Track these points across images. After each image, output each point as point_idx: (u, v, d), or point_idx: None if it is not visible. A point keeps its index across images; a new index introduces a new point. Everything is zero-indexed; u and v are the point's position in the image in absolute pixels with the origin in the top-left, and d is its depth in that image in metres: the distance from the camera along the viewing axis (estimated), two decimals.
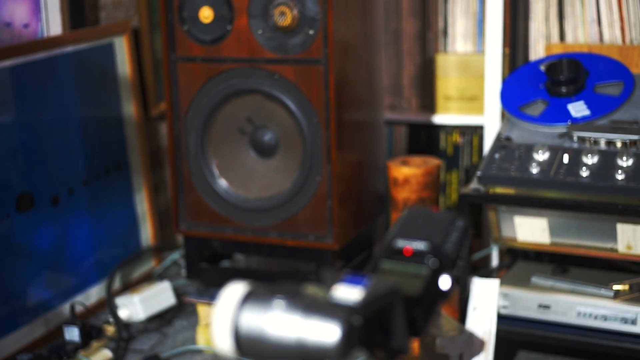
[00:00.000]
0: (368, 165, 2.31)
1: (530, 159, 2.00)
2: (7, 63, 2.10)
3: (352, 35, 2.16)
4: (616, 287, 1.99)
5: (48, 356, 2.07)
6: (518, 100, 2.15)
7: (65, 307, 2.25)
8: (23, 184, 2.16)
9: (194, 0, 2.15)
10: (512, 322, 2.03)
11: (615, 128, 1.99)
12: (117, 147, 2.51)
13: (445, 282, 0.99)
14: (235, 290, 0.89)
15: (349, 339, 0.83)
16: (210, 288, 2.33)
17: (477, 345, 1.87)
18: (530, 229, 2.07)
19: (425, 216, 1.07)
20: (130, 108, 2.55)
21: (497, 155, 2.04)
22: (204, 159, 2.21)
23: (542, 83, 2.16)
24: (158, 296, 2.33)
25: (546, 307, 2.00)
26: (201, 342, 2.19)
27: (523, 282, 2.08)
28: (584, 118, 2.06)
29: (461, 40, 2.59)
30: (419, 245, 1.01)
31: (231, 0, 2.11)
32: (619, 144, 1.96)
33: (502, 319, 2.03)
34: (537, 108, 2.12)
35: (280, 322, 0.86)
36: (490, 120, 2.40)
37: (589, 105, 2.08)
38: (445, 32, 2.61)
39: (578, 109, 2.08)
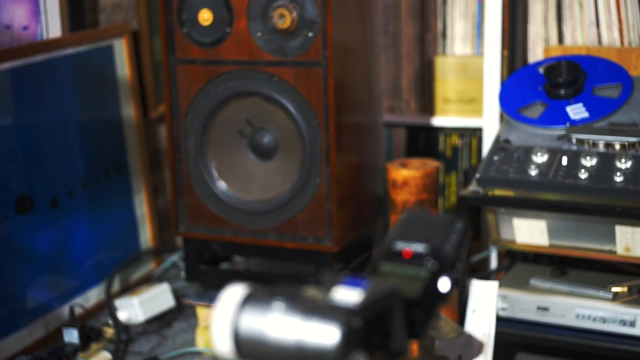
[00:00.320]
0: (367, 168, 2.31)
1: (529, 161, 2.00)
2: (7, 65, 2.11)
3: (351, 37, 2.17)
4: (615, 289, 2.00)
5: (47, 358, 2.07)
6: (517, 103, 2.16)
7: (65, 309, 2.25)
8: (22, 186, 2.16)
9: (193, 2, 2.16)
10: (511, 324, 2.03)
11: (614, 130, 1.99)
12: (117, 149, 2.51)
13: (444, 284, 1.00)
14: (234, 292, 0.89)
15: (349, 341, 0.84)
16: (210, 290, 2.33)
17: (476, 347, 1.87)
18: (529, 231, 2.07)
19: (424, 218, 1.07)
20: (129, 110, 2.55)
21: (495, 158, 2.04)
22: (203, 161, 2.21)
23: (540, 85, 2.17)
24: (157, 298, 2.33)
25: (545, 309, 2.01)
26: (200, 345, 2.19)
27: (522, 284, 2.08)
28: (582, 120, 2.06)
29: (460, 42, 2.60)
30: (418, 247, 1.01)
31: (230, 3, 2.12)
32: (617, 146, 1.97)
33: (501, 321, 2.03)
34: (536, 110, 2.13)
35: (280, 324, 0.86)
36: (489, 122, 2.40)
37: (588, 107, 2.08)
38: (444, 35, 2.62)
39: (577, 111, 2.08)
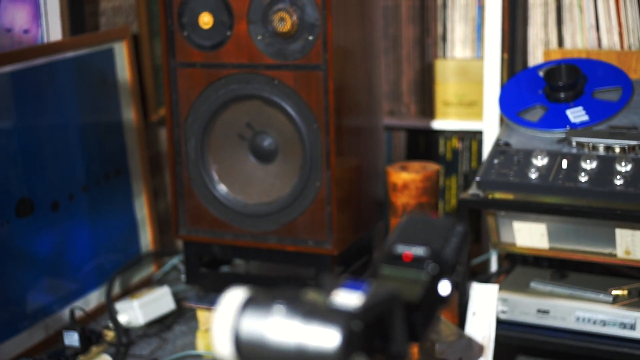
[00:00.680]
0: (367, 171, 2.31)
1: (529, 165, 2.00)
2: (7, 69, 2.11)
3: (352, 41, 2.17)
4: (615, 292, 2.00)
5: None
6: (517, 106, 2.16)
7: (65, 312, 2.25)
8: (23, 189, 2.16)
9: (193, 6, 2.16)
10: (511, 327, 2.04)
11: (614, 134, 1.99)
12: (117, 152, 2.52)
13: (444, 287, 1.00)
14: (235, 295, 0.89)
15: (349, 345, 0.84)
16: (210, 293, 2.33)
17: (476, 350, 1.87)
18: (529, 234, 2.07)
19: (425, 222, 1.08)
20: (130, 113, 2.55)
21: (496, 161, 2.05)
22: (203, 164, 2.22)
23: (540, 89, 2.17)
24: (158, 301, 2.34)
25: (545, 312, 2.01)
26: (201, 348, 2.19)
27: (522, 287, 2.08)
28: (582, 123, 2.06)
29: (460, 46, 2.60)
30: (419, 250, 1.01)
31: (231, 6, 2.12)
32: (617, 150, 1.97)
33: (501, 324, 2.03)
34: (536, 113, 2.13)
35: (281, 328, 0.86)
36: (489, 125, 2.40)
37: (588, 110, 2.08)
38: (444, 38, 2.62)
39: (577, 114, 2.08)
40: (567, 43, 2.43)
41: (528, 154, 2.03)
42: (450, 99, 2.60)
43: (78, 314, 2.25)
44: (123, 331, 2.24)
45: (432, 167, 2.26)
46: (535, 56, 2.47)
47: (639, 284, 2.05)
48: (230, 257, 2.37)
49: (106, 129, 2.48)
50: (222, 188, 2.22)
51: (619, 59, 2.30)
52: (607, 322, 1.95)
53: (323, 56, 2.05)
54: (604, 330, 1.95)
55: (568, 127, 2.06)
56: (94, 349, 2.16)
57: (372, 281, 0.98)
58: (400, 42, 2.66)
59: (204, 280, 2.33)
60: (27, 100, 2.17)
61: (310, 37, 2.06)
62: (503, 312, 2.04)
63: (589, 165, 1.95)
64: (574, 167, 1.96)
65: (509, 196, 2.00)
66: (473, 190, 2.04)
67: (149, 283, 2.60)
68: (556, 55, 2.36)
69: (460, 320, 2.02)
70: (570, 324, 1.98)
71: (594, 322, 1.96)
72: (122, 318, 2.28)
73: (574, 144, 2.02)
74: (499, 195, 2.01)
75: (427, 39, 2.64)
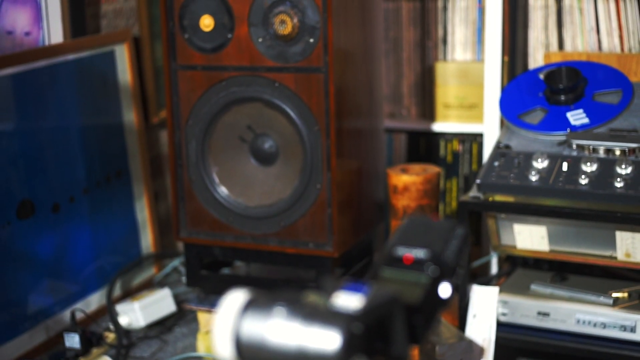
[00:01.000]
0: (368, 173, 2.32)
1: (529, 167, 2.01)
2: (9, 71, 2.11)
3: (352, 43, 2.17)
4: (615, 294, 2.00)
5: None
6: (517, 109, 2.16)
7: (66, 314, 2.26)
8: (24, 191, 2.16)
9: (194, 8, 2.16)
10: (512, 329, 2.04)
11: (614, 136, 2.00)
12: (118, 154, 2.52)
13: (445, 290, 1.00)
14: (236, 298, 0.89)
15: (350, 347, 0.84)
16: (211, 295, 2.33)
17: (476, 352, 1.88)
18: (530, 237, 2.08)
19: (425, 224, 1.08)
20: (131, 116, 2.55)
21: (496, 163, 2.05)
22: (204, 166, 2.22)
23: (541, 91, 2.17)
24: (158, 303, 2.34)
25: (545, 314, 2.01)
26: (201, 349, 2.19)
27: (522, 289, 2.08)
28: (583, 126, 2.06)
29: (460, 48, 2.60)
30: (419, 253, 1.01)
31: (232, 9, 2.12)
32: (617, 152, 1.97)
33: (501, 326, 2.03)
34: (536, 116, 2.13)
35: (281, 330, 0.86)
36: (489, 128, 2.40)
37: (588, 113, 2.09)
38: (444, 41, 2.62)
39: (577, 117, 2.09)
40: (568, 46, 2.43)
41: (528, 157, 2.03)
42: (451, 102, 2.61)
43: (79, 315, 2.25)
44: (124, 333, 2.25)
45: (433, 169, 2.26)
46: (536, 59, 2.47)
47: (639, 286, 2.05)
48: (230, 259, 2.37)
49: (107, 131, 2.48)
50: (222, 190, 2.22)
51: (619, 62, 2.30)
52: (608, 324, 1.95)
53: (324, 59, 2.06)
54: (604, 333, 1.96)
55: (568, 130, 2.06)
56: (95, 350, 2.16)
57: (373, 283, 0.98)
58: (400, 45, 2.66)
59: (205, 283, 2.33)
60: (28, 102, 2.18)
61: (311, 40, 2.06)
62: (503, 314, 2.04)
63: (589, 167, 1.95)
64: (575, 170, 1.97)
65: (509, 199, 2.00)
66: (473, 192, 2.04)
67: (150, 285, 2.60)
68: (556, 58, 2.37)
69: (461, 322, 2.02)
70: (570, 326, 1.99)
71: (595, 325, 1.96)
72: (123, 320, 2.28)
73: (574, 146, 2.02)
74: (499, 197, 2.01)
75: (428, 42, 2.64)
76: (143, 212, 2.62)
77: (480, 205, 2.03)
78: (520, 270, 2.22)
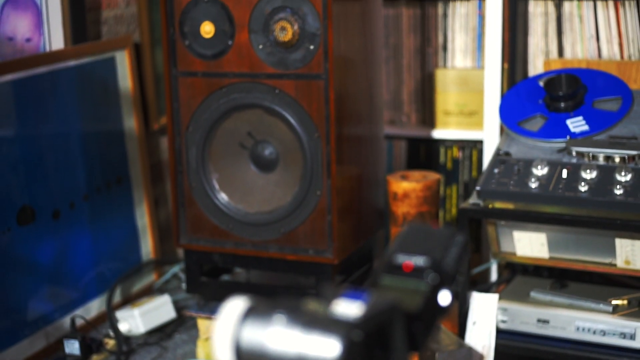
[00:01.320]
0: (368, 180, 2.32)
1: (529, 174, 2.01)
2: (9, 77, 2.12)
3: (352, 50, 2.18)
4: (615, 302, 2.00)
5: None
6: (517, 116, 2.17)
7: (66, 321, 2.26)
8: (24, 197, 2.17)
9: (195, 15, 2.17)
10: (511, 336, 2.04)
11: (614, 143, 2.00)
12: (118, 160, 2.52)
13: (444, 297, 1.00)
14: (236, 305, 0.90)
15: (349, 354, 0.84)
16: (210, 302, 2.33)
17: (476, 359, 1.88)
18: (529, 244, 2.08)
19: (425, 231, 1.08)
20: (131, 122, 2.56)
21: (496, 170, 2.05)
22: (204, 173, 2.22)
23: (541, 98, 2.18)
24: (158, 310, 2.34)
25: (545, 321, 2.01)
26: (201, 356, 2.19)
27: (522, 296, 2.08)
28: (582, 133, 2.07)
29: (460, 55, 2.61)
30: (419, 260, 1.01)
31: (232, 16, 2.13)
32: (617, 160, 1.97)
33: (501, 333, 2.03)
34: (536, 123, 2.13)
35: (281, 337, 0.86)
36: (489, 135, 2.41)
37: (588, 120, 2.09)
38: (444, 48, 2.63)
39: (577, 124, 2.09)
40: (567, 53, 2.43)
41: (528, 164, 2.03)
42: (451, 109, 2.61)
43: (79, 322, 2.25)
44: (123, 339, 2.24)
45: (433, 176, 2.26)
46: (536, 66, 2.48)
47: (639, 293, 2.05)
48: (230, 266, 2.37)
49: (107, 138, 2.48)
50: (222, 197, 2.23)
51: (619, 69, 2.31)
52: (607, 331, 1.95)
53: (324, 65, 2.06)
54: (603, 340, 1.95)
55: (568, 137, 2.06)
56: (95, 357, 2.16)
57: (373, 291, 0.98)
58: (400, 52, 2.67)
59: (205, 289, 2.33)
60: (28, 108, 2.18)
61: (311, 47, 2.07)
62: (503, 321, 2.04)
63: (589, 175, 1.96)
64: (574, 177, 1.97)
65: (509, 206, 2.00)
66: (473, 199, 2.04)
67: (150, 291, 2.60)
68: (556, 65, 2.37)
69: (461, 329, 2.02)
70: (570, 333, 1.99)
71: (594, 332, 1.96)
72: (123, 326, 2.28)
73: (574, 153, 2.02)
74: (499, 204, 2.02)
75: (428, 49, 2.64)
76: (143, 219, 2.62)
77: (480, 212, 2.03)
78: (520, 278, 2.22)
